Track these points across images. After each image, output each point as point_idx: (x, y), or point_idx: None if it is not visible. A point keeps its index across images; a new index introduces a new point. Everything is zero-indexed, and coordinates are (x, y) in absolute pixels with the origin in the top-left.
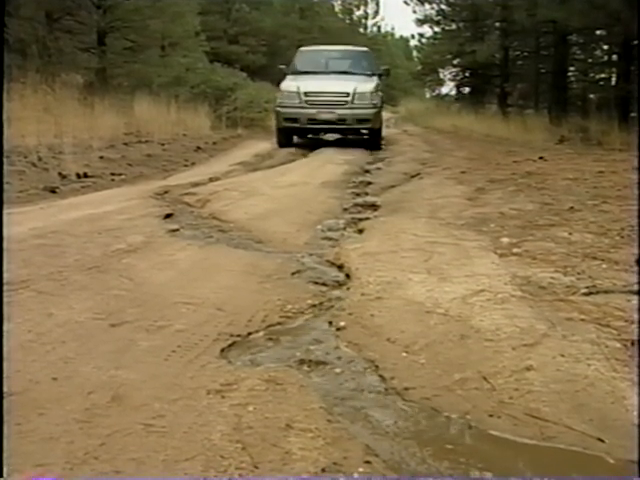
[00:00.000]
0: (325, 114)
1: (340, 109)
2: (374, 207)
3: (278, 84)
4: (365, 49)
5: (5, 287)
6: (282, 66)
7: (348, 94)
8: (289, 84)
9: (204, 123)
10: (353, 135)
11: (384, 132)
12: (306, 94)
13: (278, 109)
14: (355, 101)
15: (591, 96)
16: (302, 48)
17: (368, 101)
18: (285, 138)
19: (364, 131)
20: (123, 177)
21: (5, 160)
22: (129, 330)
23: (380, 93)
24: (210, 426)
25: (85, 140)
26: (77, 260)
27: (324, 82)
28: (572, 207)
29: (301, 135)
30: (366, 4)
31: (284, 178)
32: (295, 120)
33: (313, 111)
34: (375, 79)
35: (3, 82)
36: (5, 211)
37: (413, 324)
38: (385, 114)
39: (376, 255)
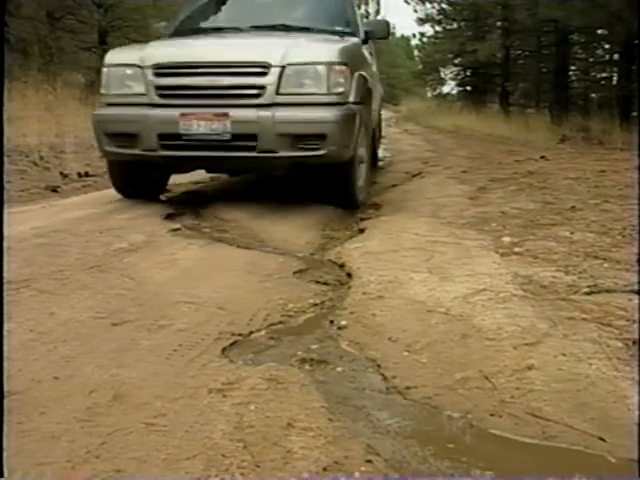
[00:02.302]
0: (201, 122)
1: (242, 108)
2: (376, 206)
3: None
4: None
5: (6, 286)
6: (161, 23)
7: (266, 67)
8: (124, 53)
9: None
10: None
11: (384, 131)
12: (158, 71)
13: (96, 112)
14: (284, 87)
15: (592, 95)
16: None
17: (322, 88)
18: (124, 179)
19: (316, 163)
20: None
21: (6, 159)
22: (130, 329)
23: (364, 73)
24: (211, 425)
25: (86, 139)
26: (78, 259)
27: (212, 42)
28: (574, 206)
29: (160, 172)
30: (367, 3)
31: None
32: (131, 138)
33: (173, 114)
34: (351, 41)
35: (4, 81)
36: (6, 210)
37: (414, 323)
38: (387, 113)
39: (377, 254)
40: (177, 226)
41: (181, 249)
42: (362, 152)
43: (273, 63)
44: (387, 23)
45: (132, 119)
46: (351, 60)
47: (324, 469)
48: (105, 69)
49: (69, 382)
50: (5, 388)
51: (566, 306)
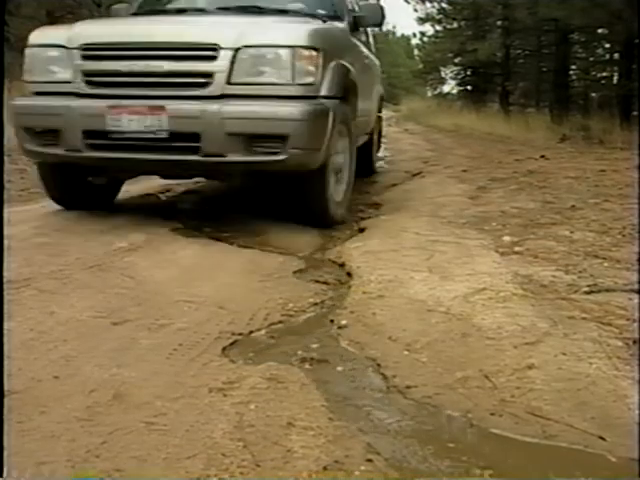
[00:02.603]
0: (132, 117)
1: (183, 100)
2: (376, 205)
3: None
4: None
5: (7, 285)
6: (122, 5)
7: (214, 50)
8: (51, 31)
9: None
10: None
11: (384, 130)
12: (86, 53)
13: (15, 102)
14: (237, 75)
15: (593, 94)
16: None
17: (285, 77)
18: (59, 186)
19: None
20: None
21: (7, 159)
22: (131, 328)
23: (346, 63)
24: (212, 424)
25: None
26: (79, 258)
27: (155, 21)
28: (574, 205)
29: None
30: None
31: None
32: (54, 135)
33: (99, 106)
34: (332, 25)
35: (4, 81)
36: (6, 209)
37: (415, 322)
38: (387, 112)
39: (377, 253)
40: (177, 225)
41: (181, 248)
42: (340, 159)
43: (223, 45)
44: (381, 8)
45: (53, 112)
46: (327, 45)
47: (324, 468)
48: (27, 50)
49: (69, 381)
50: (5, 387)
51: (566, 305)
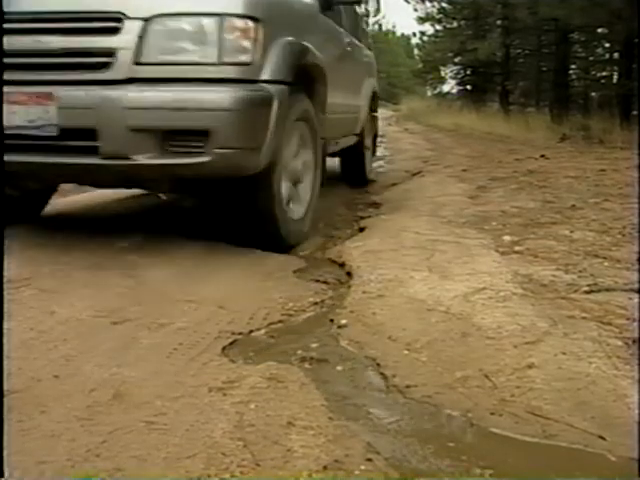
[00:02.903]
0: (13, 107)
1: (77, 85)
2: (376, 205)
3: None
4: None
5: (7, 285)
6: None
7: (117, 20)
8: None
9: None
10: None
11: (384, 130)
12: None
13: None
14: (149, 53)
15: (593, 94)
16: None
17: (211, 54)
18: None
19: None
20: None
21: None
22: (131, 328)
23: (308, 45)
24: (212, 424)
25: None
26: (79, 258)
27: None
28: (574, 205)
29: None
30: (367, 2)
31: None
32: None
33: None
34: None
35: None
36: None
37: (415, 322)
38: (387, 112)
39: (377, 253)
40: (177, 224)
41: (181, 247)
42: (298, 164)
43: (130, 13)
44: None
45: None
46: (272, 16)
47: (324, 468)
48: None
49: (69, 381)
50: (5, 387)
51: (566, 305)
